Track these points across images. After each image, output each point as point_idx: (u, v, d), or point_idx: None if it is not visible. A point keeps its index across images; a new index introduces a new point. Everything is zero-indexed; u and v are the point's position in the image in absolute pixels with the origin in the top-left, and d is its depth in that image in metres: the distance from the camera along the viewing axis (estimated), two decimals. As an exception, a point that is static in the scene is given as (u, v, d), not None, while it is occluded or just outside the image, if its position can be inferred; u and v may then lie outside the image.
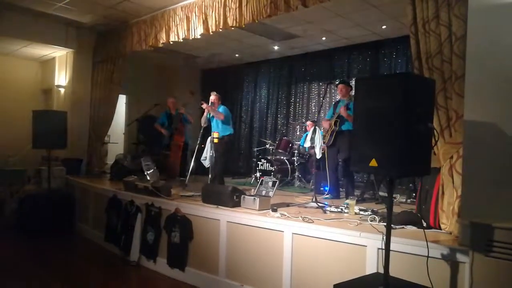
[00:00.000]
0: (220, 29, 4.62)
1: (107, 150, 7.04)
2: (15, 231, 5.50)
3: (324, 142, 4.88)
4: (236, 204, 3.69)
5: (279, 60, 8.43)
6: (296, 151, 6.79)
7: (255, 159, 7.21)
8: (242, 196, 3.71)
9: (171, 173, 6.10)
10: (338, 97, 5.42)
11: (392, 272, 2.19)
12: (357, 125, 2.24)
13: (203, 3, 4.78)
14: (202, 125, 5.38)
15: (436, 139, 2.26)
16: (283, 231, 3.14)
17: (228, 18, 4.46)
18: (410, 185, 5.00)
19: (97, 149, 6.78)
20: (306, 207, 3.94)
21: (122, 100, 7.99)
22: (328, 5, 4.94)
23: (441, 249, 2.41)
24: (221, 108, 5.39)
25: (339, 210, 3.67)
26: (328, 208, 3.76)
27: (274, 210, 3.49)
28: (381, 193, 4.73)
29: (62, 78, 7.15)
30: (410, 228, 2.88)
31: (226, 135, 5.28)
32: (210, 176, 4.87)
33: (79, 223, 5.68)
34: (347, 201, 3.68)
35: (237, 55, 8.26)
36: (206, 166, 5.11)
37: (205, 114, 5.33)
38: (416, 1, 2.94)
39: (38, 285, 3.64)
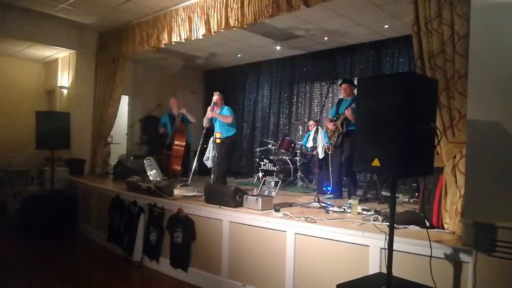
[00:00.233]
0: (222, 29, 4.62)
1: (110, 150, 7.07)
2: (18, 231, 5.52)
3: (331, 144, 4.86)
4: (239, 204, 3.69)
5: (281, 60, 8.42)
6: (298, 151, 6.78)
7: (257, 159, 7.21)
8: (245, 196, 3.71)
9: (174, 173, 6.11)
10: (340, 96, 5.40)
11: (395, 272, 2.18)
12: (360, 125, 2.24)
13: (205, 3, 4.79)
14: (204, 125, 5.38)
15: (439, 138, 2.25)
16: (285, 231, 3.14)
17: (230, 19, 4.46)
18: (413, 184, 4.98)
19: (100, 149, 6.80)
20: (308, 207, 3.93)
21: (124, 100, 8.01)
22: (330, 5, 4.93)
23: (444, 249, 2.41)
24: (226, 110, 5.36)
25: (341, 210, 3.67)
26: (331, 208, 3.76)
27: (277, 210, 3.49)
28: (383, 193, 4.71)
29: (65, 79, 7.18)
30: (413, 228, 2.88)
31: (229, 136, 5.27)
32: (212, 176, 4.87)
33: (82, 223, 5.70)
34: (350, 201, 3.68)
35: (239, 55, 8.26)
36: (208, 166, 5.11)
37: (207, 113, 5.33)
38: (419, 0, 2.93)
39: (41, 285, 3.65)
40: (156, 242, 4.14)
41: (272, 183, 3.84)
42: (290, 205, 4.04)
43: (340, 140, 4.75)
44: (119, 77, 6.63)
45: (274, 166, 6.67)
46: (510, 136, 2.28)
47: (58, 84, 7.24)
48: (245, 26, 4.56)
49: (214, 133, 5.01)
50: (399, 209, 3.19)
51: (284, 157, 6.80)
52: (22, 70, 7.74)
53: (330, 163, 4.86)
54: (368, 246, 2.69)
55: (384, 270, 2.23)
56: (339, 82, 5.63)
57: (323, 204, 3.90)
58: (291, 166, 6.65)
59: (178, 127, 6.27)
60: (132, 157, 6.51)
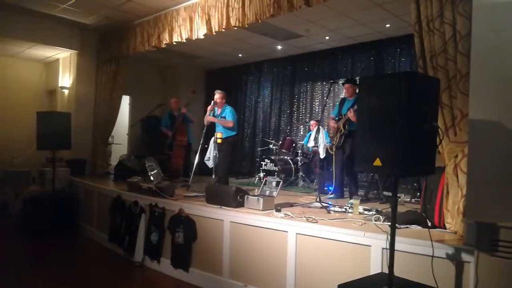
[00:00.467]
0: (223, 29, 4.61)
1: (111, 150, 7.07)
2: (19, 232, 5.53)
3: (333, 144, 4.84)
4: (240, 204, 3.68)
5: (282, 59, 8.41)
6: (299, 150, 6.77)
7: (258, 159, 7.20)
8: (246, 196, 3.71)
9: (175, 173, 6.11)
10: (341, 95, 5.38)
11: (397, 272, 2.18)
12: (361, 124, 2.23)
13: (206, 3, 4.78)
14: (205, 124, 5.35)
15: (441, 138, 2.24)
16: (287, 231, 3.13)
17: (231, 18, 4.45)
18: (415, 184, 4.97)
19: (101, 150, 6.81)
20: (310, 207, 3.93)
21: (125, 100, 8.01)
22: (331, 4, 4.93)
23: (446, 248, 2.40)
24: (228, 111, 5.28)
25: (343, 210, 3.66)
26: (332, 208, 3.75)
27: (278, 210, 3.48)
28: (385, 193, 4.70)
29: (66, 79, 7.18)
30: (415, 227, 2.87)
31: (230, 136, 5.22)
32: (213, 176, 4.86)
33: (83, 223, 5.70)
34: (351, 200, 3.67)
35: (240, 55, 8.26)
36: (209, 166, 5.10)
37: (207, 113, 5.30)
38: (420, -1, 2.93)
39: (42, 285, 3.65)
40: (157, 242, 4.13)
41: (273, 183, 3.84)
42: (291, 205, 4.04)
43: (342, 141, 4.73)
44: (120, 77, 6.64)
45: (275, 166, 6.67)
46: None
47: (59, 85, 7.25)
48: (246, 26, 4.56)
49: (215, 133, 4.99)
50: (400, 209, 3.19)
51: (285, 157, 6.80)
52: (23, 70, 7.76)
53: (334, 164, 4.84)
54: (370, 246, 2.68)
55: (386, 270, 2.23)
56: (341, 82, 5.61)
57: (324, 204, 3.89)
58: (292, 166, 6.65)
59: (179, 127, 6.27)
60: (133, 157, 6.51)
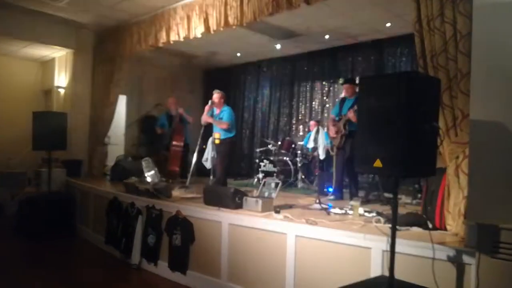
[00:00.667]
0: (221, 28, 4.57)
1: (107, 151, 7.00)
2: (15, 233, 5.47)
3: (334, 145, 4.81)
4: (238, 206, 3.65)
5: (282, 59, 8.37)
6: (299, 151, 6.74)
7: (257, 160, 7.16)
8: (245, 197, 3.68)
9: (172, 174, 6.06)
10: (341, 95, 5.35)
11: (397, 275, 2.16)
12: (361, 125, 2.22)
13: (204, 1, 4.74)
14: (202, 123, 5.29)
15: (442, 138, 2.22)
16: (286, 233, 3.10)
17: (229, 17, 4.42)
18: (416, 185, 4.94)
19: (97, 150, 6.75)
20: (309, 209, 3.90)
21: (122, 100, 7.94)
22: (331, 3, 4.89)
23: (447, 250, 2.38)
24: (226, 112, 5.22)
25: (343, 211, 3.63)
26: (332, 210, 3.72)
27: (277, 212, 3.45)
28: (386, 194, 4.67)
29: (62, 78, 7.12)
30: (416, 229, 2.84)
31: (228, 137, 5.15)
32: (211, 177, 4.83)
33: (79, 225, 5.65)
34: (352, 202, 3.64)
35: (238, 54, 8.21)
36: (207, 167, 5.06)
37: (205, 113, 5.23)
38: (420, -2, 2.90)
39: (41, 286, 3.61)
40: (154, 244, 4.09)
41: (272, 185, 3.81)
42: (291, 206, 4.01)
43: (343, 142, 4.70)
44: (117, 76, 6.57)
45: (274, 167, 6.63)
46: (514, 136, 2.24)
47: (55, 84, 7.19)
48: (244, 25, 4.52)
49: (213, 134, 4.95)
50: (401, 210, 3.16)
51: (285, 158, 6.76)
52: (18, 69, 7.68)
53: (334, 164, 4.81)
54: (370, 248, 2.65)
55: (386, 273, 2.22)
56: (341, 82, 5.57)
57: (324, 206, 3.86)
58: (291, 167, 6.61)
59: (176, 128, 6.22)
60: (130, 158, 6.47)
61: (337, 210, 3.68)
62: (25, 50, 7.06)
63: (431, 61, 2.83)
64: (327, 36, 6.78)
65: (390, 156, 1.97)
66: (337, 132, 4.75)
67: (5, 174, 6.60)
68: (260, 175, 6.72)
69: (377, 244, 2.62)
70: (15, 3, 5.55)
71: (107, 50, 6.57)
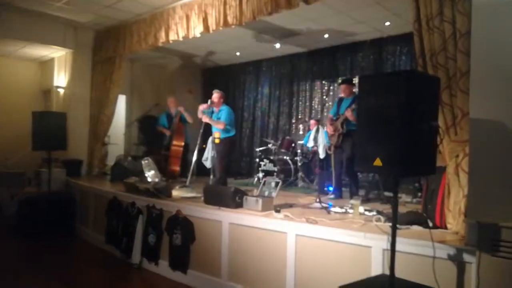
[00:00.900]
0: (220, 27, 4.57)
1: (107, 151, 7.00)
2: (15, 233, 5.47)
3: (331, 144, 4.81)
4: (239, 205, 3.65)
5: (281, 58, 8.35)
6: (299, 150, 6.73)
7: (257, 159, 7.15)
8: (245, 197, 3.67)
9: (172, 174, 6.06)
10: (341, 94, 5.35)
11: (398, 273, 2.16)
12: (360, 124, 2.21)
13: (203, 1, 4.74)
14: (199, 116, 5.21)
15: (441, 137, 2.22)
16: (286, 233, 3.10)
17: (228, 16, 4.41)
18: (416, 184, 4.95)
19: (97, 150, 6.74)
20: (310, 208, 3.90)
21: (122, 100, 7.94)
22: (330, 2, 4.89)
23: (447, 249, 2.38)
24: (224, 111, 5.19)
25: (343, 210, 3.63)
26: (332, 209, 3.72)
27: (277, 211, 3.45)
28: (386, 193, 4.68)
29: (61, 78, 7.11)
30: (416, 228, 2.85)
31: (228, 136, 5.13)
32: (211, 176, 4.82)
33: (79, 225, 5.64)
34: (352, 201, 3.64)
35: (237, 53, 8.20)
36: (207, 167, 5.06)
37: (200, 110, 5.18)
38: (419, -3, 2.90)
39: (40, 286, 3.61)
40: (155, 244, 4.09)
41: (273, 184, 3.81)
42: (291, 205, 4.01)
43: (341, 141, 4.71)
44: (116, 76, 6.57)
45: (274, 166, 6.62)
46: (514, 135, 2.25)
47: (54, 84, 7.17)
48: (244, 24, 4.52)
49: (213, 133, 4.94)
50: (401, 209, 3.16)
51: (285, 157, 6.76)
52: (17, 70, 7.67)
53: (332, 163, 4.81)
54: (371, 247, 2.66)
55: (387, 271, 2.21)
56: (339, 82, 5.58)
57: (324, 205, 3.87)
58: (291, 166, 6.61)
59: (176, 127, 6.22)
60: (130, 158, 6.47)
61: (337, 209, 3.69)
62: (24, 50, 7.04)
63: (430, 60, 2.84)
64: (326, 35, 6.78)
65: (388, 155, 1.97)
66: (334, 131, 4.76)
67: (4, 174, 6.60)
68: (260, 174, 6.71)
69: (378, 242, 2.62)
70: (13, 3, 5.54)
71: (107, 49, 6.56)
